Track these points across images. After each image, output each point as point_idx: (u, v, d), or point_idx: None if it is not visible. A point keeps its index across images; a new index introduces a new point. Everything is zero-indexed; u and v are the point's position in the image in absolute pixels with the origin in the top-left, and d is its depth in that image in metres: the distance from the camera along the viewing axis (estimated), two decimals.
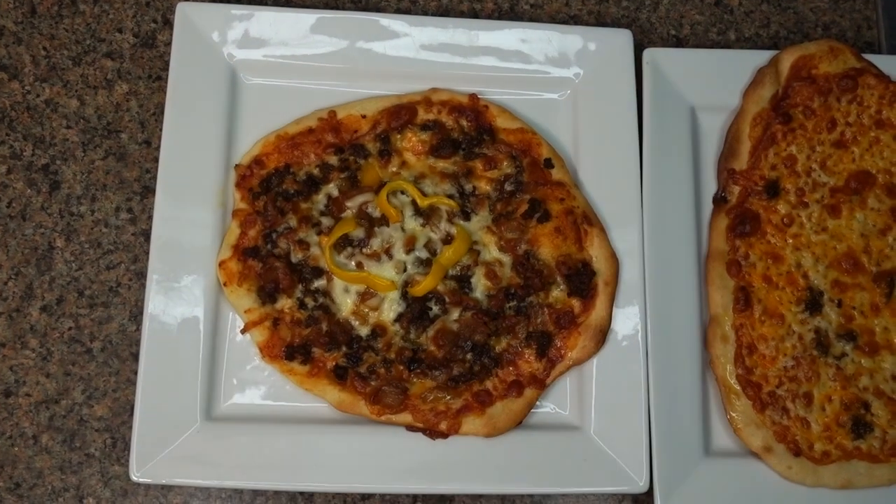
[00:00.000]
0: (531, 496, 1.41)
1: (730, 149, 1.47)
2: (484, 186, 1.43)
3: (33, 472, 1.37)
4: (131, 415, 1.36)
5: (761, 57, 1.50)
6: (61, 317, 1.43)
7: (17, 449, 1.38)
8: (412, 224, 1.40)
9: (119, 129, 1.51)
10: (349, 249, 1.38)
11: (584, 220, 1.41)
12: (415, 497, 1.40)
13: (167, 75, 1.43)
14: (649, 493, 1.33)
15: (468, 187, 1.43)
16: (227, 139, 1.43)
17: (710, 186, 1.48)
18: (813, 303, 1.40)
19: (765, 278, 1.40)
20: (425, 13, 1.59)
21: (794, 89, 1.45)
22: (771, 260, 1.41)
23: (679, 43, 1.62)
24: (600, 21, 1.61)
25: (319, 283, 1.38)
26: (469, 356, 1.36)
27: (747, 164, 1.44)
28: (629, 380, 1.37)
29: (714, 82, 1.49)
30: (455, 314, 1.37)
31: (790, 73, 1.46)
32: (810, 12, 1.64)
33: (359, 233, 1.38)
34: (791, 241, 1.42)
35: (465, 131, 1.45)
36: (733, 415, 1.36)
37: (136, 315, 1.43)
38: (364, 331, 1.37)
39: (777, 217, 1.43)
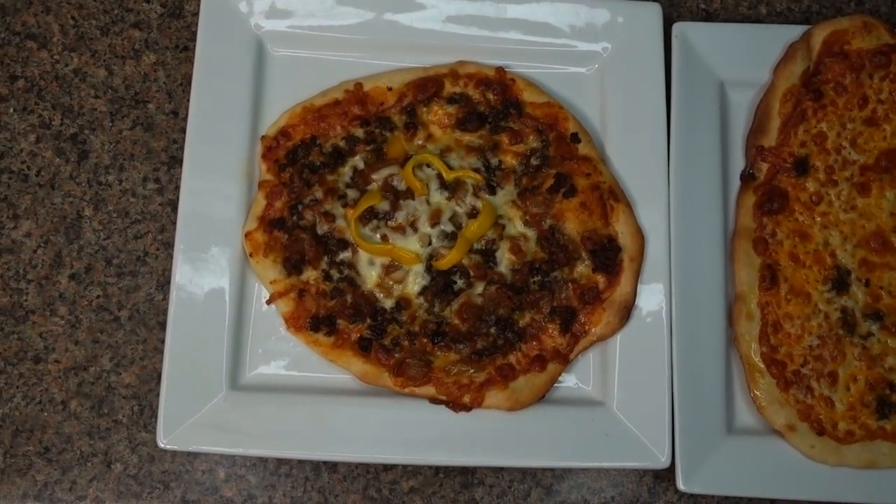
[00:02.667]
0: (552, 470, 1.42)
1: (759, 125, 1.45)
2: (510, 160, 1.43)
3: (62, 437, 1.40)
4: (158, 382, 1.38)
5: (793, 32, 1.48)
6: (90, 285, 1.44)
7: (46, 414, 1.40)
8: (438, 197, 1.40)
9: (146, 100, 1.51)
10: (374, 222, 1.38)
11: (611, 196, 1.40)
12: (437, 469, 1.42)
13: (194, 46, 1.43)
14: (671, 469, 1.33)
15: (494, 161, 1.43)
16: (253, 110, 1.43)
17: (738, 163, 1.47)
18: (840, 282, 1.38)
19: (792, 256, 1.39)
20: None
21: (825, 65, 1.43)
22: (798, 238, 1.40)
23: (709, 17, 1.59)
24: None
25: (345, 255, 1.38)
26: (493, 330, 1.36)
27: (776, 141, 1.43)
28: (653, 356, 1.36)
29: (744, 57, 1.48)
30: (479, 288, 1.38)
31: (822, 48, 1.43)
32: None
33: (384, 205, 1.38)
34: (819, 219, 1.41)
35: (492, 105, 1.44)
36: (757, 393, 1.36)
37: (164, 284, 1.44)
38: (388, 303, 1.37)
39: (805, 195, 1.41)
